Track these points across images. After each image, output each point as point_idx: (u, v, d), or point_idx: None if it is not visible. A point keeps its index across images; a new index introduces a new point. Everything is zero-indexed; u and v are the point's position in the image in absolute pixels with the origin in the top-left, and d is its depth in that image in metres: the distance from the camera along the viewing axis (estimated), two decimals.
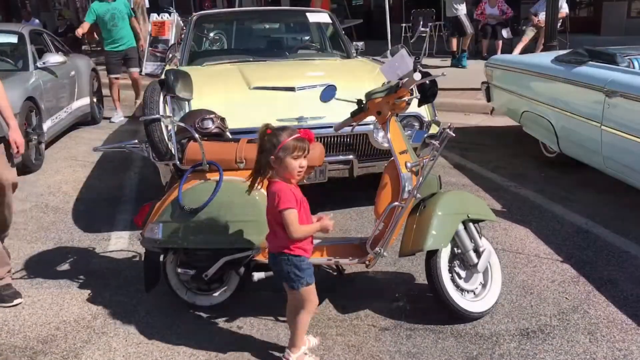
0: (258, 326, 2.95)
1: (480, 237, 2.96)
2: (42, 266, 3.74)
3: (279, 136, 2.37)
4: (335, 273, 3.41)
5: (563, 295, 3.14)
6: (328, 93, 3.02)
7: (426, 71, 2.86)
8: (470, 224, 2.92)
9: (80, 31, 8.23)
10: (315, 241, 2.87)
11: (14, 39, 6.82)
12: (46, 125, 6.37)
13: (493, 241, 3.71)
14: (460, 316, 2.88)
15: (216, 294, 3.05)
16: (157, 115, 3.01)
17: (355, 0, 16.43)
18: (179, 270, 2.95)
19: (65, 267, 3.73)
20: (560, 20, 9.14)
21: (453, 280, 2.90)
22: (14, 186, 3.37)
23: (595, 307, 3.01)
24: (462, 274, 2.96)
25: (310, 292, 2.50)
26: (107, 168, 5.89)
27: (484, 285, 3.00)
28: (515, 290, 3.21)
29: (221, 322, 2.99)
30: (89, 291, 3.38)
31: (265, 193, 2.70)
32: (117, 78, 8.29)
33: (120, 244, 4.03)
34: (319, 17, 6.10)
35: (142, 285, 3.13)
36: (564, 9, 9.64)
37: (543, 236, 3.88)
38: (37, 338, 2.94)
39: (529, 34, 10.05)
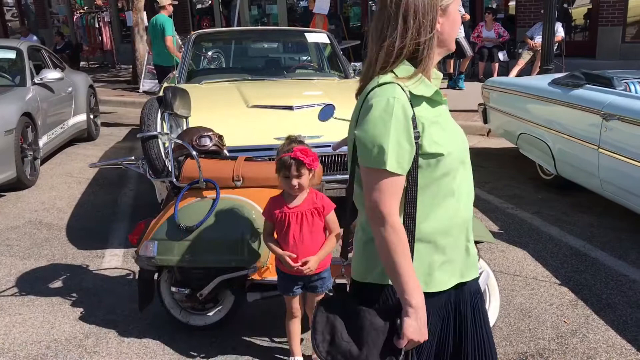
0: (253, 347, 2.90)
1: (478, 259, 2.93)
2: (34, 283, 3.69)
3: (279, 150, 2.43)
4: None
5: (561, 319, 3.11)
6: (327, 112, 3.00)
7: None
8: None
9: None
10: None
11: (12, 55, 6.84)
12: (42, 141, 6.35)
13: (491, 263, 3.68)
14: None
15: (211, 314, 3.01)
16: (155, 132, 2.99)
17: (353, 21, 16.56)
18: (173, 289, 2.90)
19: (57, 284, 3.68)
20: (556, 44, 9.21)
21: None
22: None
23: (594, 331, 2.98)
24: None
25: (286, 300, 2.64)
26: (103, 185, 5.86)
27: None
28: (513, 313, 3.18)
29: (215, 343, 2.95)
30: (81, 309, 3.33)
31: (262, 211, 2.69)
32: None
33: (114, 261, 3.98)
34: (318, 37, 6.14)
35: (136, 304, 3.08)
36: (560, 32, 9.73)
37: (541, 259, 3.86)
38: (27, 357, 2.88)
39: (525, 57, 10.13)
